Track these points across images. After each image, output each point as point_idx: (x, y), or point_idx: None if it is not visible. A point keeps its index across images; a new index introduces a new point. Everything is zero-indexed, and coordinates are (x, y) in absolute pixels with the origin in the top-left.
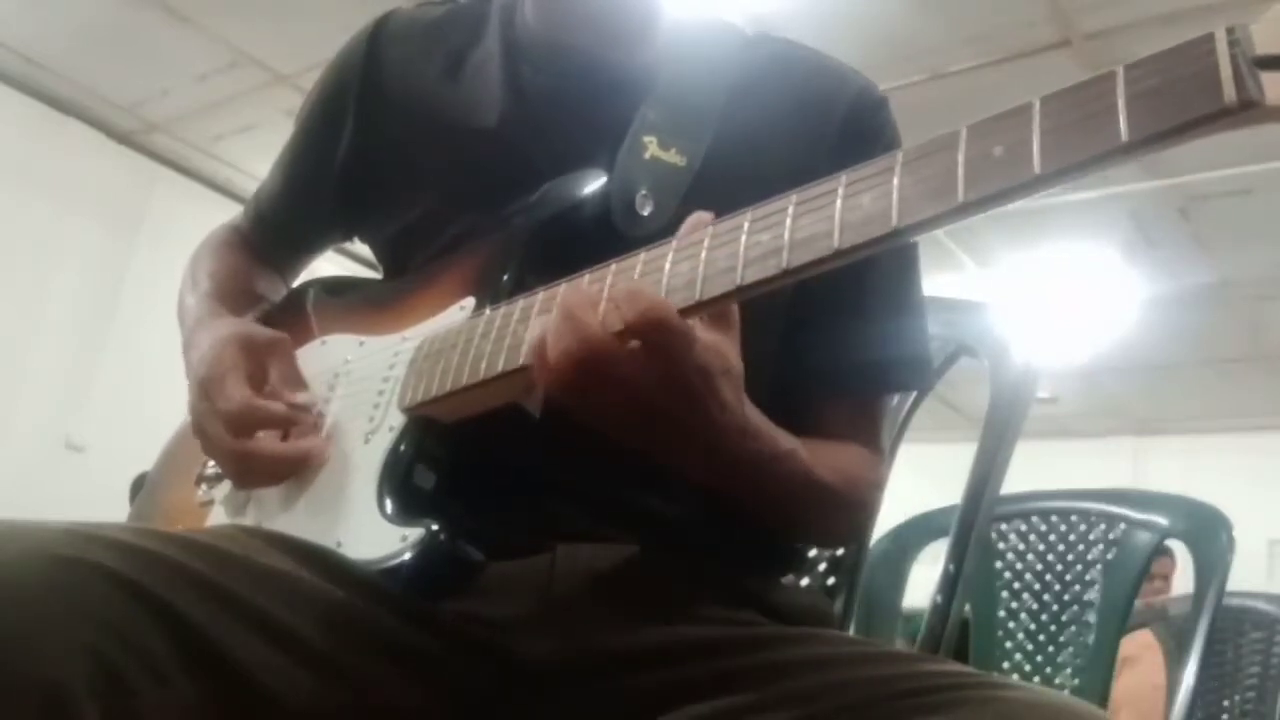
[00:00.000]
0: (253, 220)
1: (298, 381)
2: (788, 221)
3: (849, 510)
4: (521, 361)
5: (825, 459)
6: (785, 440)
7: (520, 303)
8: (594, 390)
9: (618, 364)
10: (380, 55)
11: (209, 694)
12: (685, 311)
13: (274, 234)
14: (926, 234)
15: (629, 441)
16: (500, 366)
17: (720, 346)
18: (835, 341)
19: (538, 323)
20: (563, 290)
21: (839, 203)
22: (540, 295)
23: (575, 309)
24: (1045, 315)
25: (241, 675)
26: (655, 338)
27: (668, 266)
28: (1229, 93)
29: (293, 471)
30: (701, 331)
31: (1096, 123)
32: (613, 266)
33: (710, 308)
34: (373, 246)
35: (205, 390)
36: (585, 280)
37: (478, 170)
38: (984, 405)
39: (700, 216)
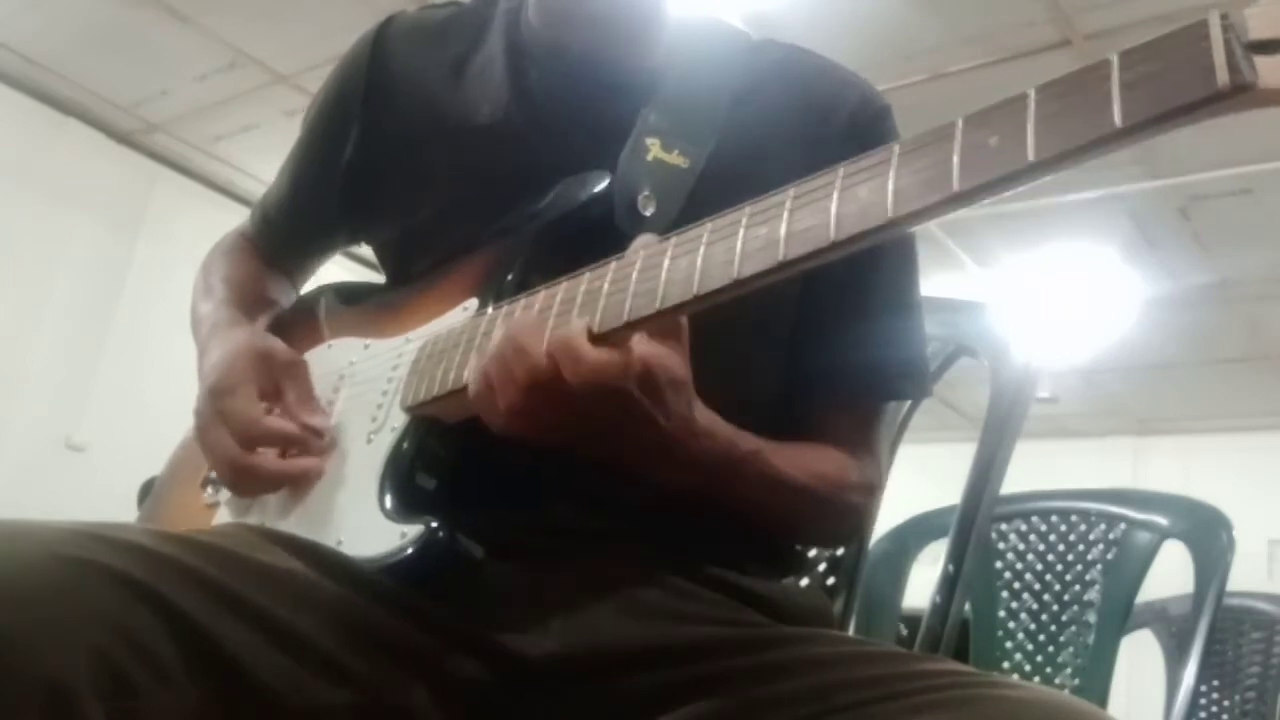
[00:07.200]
0: (259, 225)
1: (313, 403)
2: (785, 214)
3: (831, 513)
4: (470, 396)
5: (798, 461)
6: (746, 442)
7: (521, 301)
8: (544, 412)
9: (561, 385)
10: (385, 58)
11: (212, 694)
12: (682, 307)
13: (281, 238)
14: (923, 224)
15: (586, 451)
16: None
17: (665, 360)
18: (835, 350)
19: (475, 359)
20: (507, 323)
21: (836, 194)
22: (542, 293)
23: (523, 340)
24: (1045, 315)
25: (244, 675)
26: (591, 380)
27: (666, 263)
28: (1222, 77)
29: (286, 485)
30: (645, 346)
31: (1091, 109)
32: (612, 264)
33: (708, 302)
34: (377, 250)
35: (214, 398)
36: (538, 303)
37: (482, 171)
38: (984, 405)
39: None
